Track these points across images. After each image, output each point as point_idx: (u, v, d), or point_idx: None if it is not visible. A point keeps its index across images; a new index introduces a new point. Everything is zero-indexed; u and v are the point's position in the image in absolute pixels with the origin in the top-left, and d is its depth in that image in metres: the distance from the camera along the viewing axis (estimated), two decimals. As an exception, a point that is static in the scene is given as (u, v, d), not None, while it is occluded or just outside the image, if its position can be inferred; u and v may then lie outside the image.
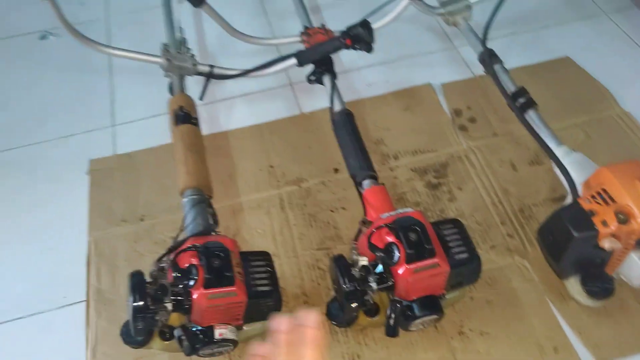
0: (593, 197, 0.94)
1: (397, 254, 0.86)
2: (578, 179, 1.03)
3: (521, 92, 1.21)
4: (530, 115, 1.19)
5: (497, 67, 1.28)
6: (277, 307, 0.94)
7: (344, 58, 1.53)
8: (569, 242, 0.93)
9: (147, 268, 0.89)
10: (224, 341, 0.89)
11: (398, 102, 1.43)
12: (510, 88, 1.23)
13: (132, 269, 0.86)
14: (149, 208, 1.25)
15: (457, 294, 1.01)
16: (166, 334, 0.93)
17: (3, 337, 1.09)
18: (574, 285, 1.03)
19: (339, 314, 0.97)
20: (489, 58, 1.29)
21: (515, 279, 1.10)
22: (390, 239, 0.89)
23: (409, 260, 0.86)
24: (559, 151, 1.10)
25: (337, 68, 1.31)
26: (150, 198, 1.27)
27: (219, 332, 0.88)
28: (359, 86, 1.48)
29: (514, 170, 1.27)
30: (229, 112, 1.45)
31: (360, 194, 1.05)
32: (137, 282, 0.84)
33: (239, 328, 0.92)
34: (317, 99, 1.42)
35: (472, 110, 1.40)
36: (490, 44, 1.33)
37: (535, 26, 1.62)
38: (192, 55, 1.33)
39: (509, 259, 1.13)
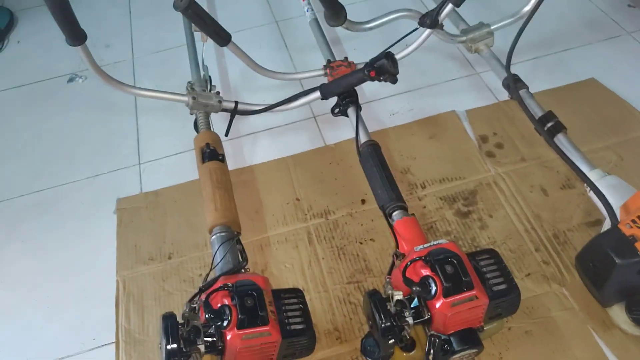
0: (634, 221, 0.91)
1: (434, 288, 0.84)
2: (615, 203, 1.00)
3: (549, 116, 1.19)
4: (560, 139, 1.17)
5: (522, 92, 1.27)
6: (311, 345, 0.92)
7: (367, 88, 1.53)
8: (612, 270, 0.90)
9: (175, 306, 0.88)
10: (258, 382, 0.87)
11: (423, 130, 1.42)
12: (537, 112, 1.22)
13: (161, 308, 0.85)
14: (177, 245, 1.25)
15: (495, 325, 0.97)
16: (199, 376, 0.91)
17: (34, 382, 1.08)
18: (618, 313, 0.99)
19: (374, 351, 0.95)
20: (513, 83, 1.28)
21: (554, 307, 1.07)
22: (425, 272, 0.87)
23: (447, 293, 0.84)
24: (592, 175, 1.07)
25: (360, 98, 1.31)
26: (177, 235, 1.27)
27: (253, 373, 0.86)
28: (383, 116, 1.48)
29: (545, 195, 1.24)
30: (253, 146, 1.45)
31: (390, 226, 1.03)
32: (169, 325, 0.82)
33: (272, 368, 0.90)
34: (341, 130, 1.42)
35: (499, 136, 1.38)
36: (513, 69, 1.32)
37: (558, 49, 1.60)
38: (218, 93, 1.34)
39: (546, 286, 1.10)
